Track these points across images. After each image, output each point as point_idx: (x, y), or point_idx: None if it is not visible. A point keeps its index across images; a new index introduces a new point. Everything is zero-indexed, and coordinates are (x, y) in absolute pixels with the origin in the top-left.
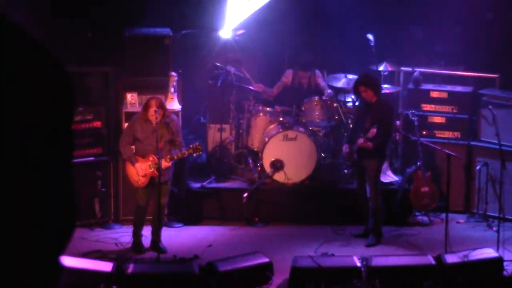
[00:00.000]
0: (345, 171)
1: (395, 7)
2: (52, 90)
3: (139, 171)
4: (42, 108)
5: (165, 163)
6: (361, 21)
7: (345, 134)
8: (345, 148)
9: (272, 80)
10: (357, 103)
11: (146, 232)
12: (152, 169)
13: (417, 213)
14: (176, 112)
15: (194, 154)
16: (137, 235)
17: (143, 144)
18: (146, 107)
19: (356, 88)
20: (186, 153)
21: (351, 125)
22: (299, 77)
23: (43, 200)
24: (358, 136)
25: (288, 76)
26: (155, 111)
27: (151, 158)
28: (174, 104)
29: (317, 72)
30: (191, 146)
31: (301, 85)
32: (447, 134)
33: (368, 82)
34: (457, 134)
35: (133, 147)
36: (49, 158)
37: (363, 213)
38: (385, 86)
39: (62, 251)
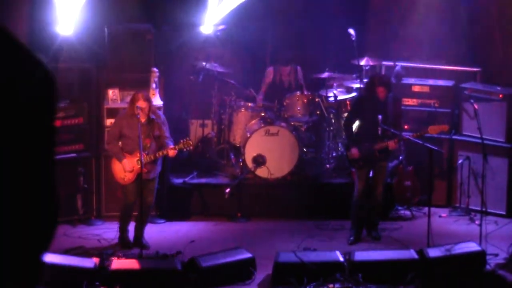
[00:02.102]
0: (327, 166)
1: (376, 2)
2: (35, 88)
3: (126, 166)
4: (25, 106)
5: (171, 152)
6: (342, 16)
7: (328, 128)
8: (354, 151)
9: (253, 76)
10: (346, 97)
11: (129, 227)
12: (140, 165)
13: (399, 207)
14: (158, 108)
15: (184, 149)
16: (123, 230)
17: (131, 140)
18: (132, 101)
19: (373, 88)
20: (177, 148)
21: (344, 121)
22: (280, 73)
23: (26, 197)
24: (368, 135)
25: (269, 75)
26: (141, 107)
27: (138, 154)
28: (156, 100)
29: (298, 68)
30: (181, 141)
31: (282, 81)
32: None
33: (389, 84)
34: None
35: (120, 143)
36: (32, 155)
37: (360, 211)
38: (365, 80)
39: (45, 248)
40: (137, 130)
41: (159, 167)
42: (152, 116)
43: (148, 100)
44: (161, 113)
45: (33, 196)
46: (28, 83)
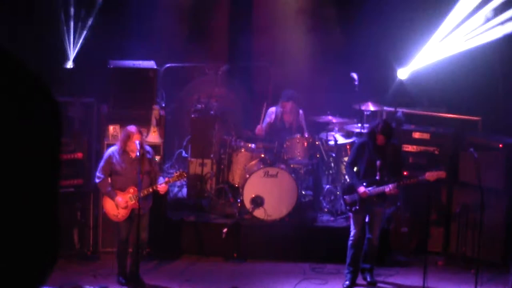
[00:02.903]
0: (325, 209)
1: (380, 47)
2: (42, 118)
3: (120, 203)
4: (31, 136)
5: (162, 187)
6: (344, 60)
7: (327, 172)
8: (362, 190)
9: (256, 114)
10: (346, 142)
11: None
12: (134, 201)
13: (395, 253)
14: (158, 145)
15: (179, 181)
16: (121, 267)
17: (122, 176)
18: (127, 138)
19: (373, 135)
20: (170, 180)
21: (347, 163)
22: (282, 113)
23: (28, 229)
24: (366, 180)
25: (271, 115)
26: (138, 143)
27: (131, 190)
28: (156, 138)
29: (300, 112)
30: (175, 173)
31: (283, 122)
32: None
33: (389, 133)
34: None
35: (109, 180)
36: (36, 187)
37: (355, 256)
38: (366, 125)
39: (43, 282)
40: (130, 167)
41: (150, 202)
42: (142, 151)
43: (141, 133)
44: (148, 147)
45: (36, 229)
46: (36, 113)
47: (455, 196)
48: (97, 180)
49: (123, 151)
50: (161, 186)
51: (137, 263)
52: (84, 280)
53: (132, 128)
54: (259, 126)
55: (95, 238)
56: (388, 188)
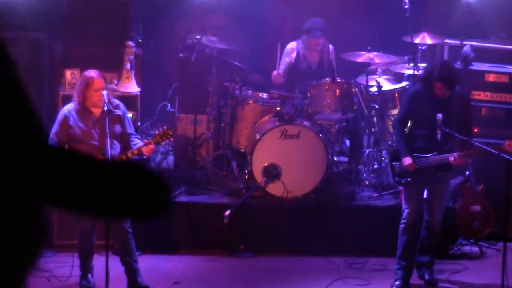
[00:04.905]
0: (366, 182)
1: None
2: None
3: None
4: None
5: (147, 149)
6: None
7: (367, 131)
8: (408, 160)
9: (266, 56)
10: (395, 88)
11: (99, 262)
12: None
13: (464, 242)
14: (133, 97)
15: (163, 142)
16: (85, 267)
17: (84, 143)
18: (86, 88)
19: (429, 82)
20: (152, 142)
21: (394, 120)
22: (307, 50)
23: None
24: (423, 142)
25: (290, 53)
26: (104, 94)
27: None
28: (131, 86)
29: (331, 47)
30: (157, 132)
31: (308, 63)
32: (508, 132)
33: (451, 80)
34: None
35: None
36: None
37: (409, 246)
38: (422, 65)
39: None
40: (94, 129)
41: None
42: (109, 107)
43: (106, 80)
44: (118, 101)
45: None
46: None
47: None
48: None
49: (83, 108)
50: (146, 146)
51: (129, 262)
52: (34, 286)
53: (91, 73)
54: (275, 72)
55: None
56: (453, 157)
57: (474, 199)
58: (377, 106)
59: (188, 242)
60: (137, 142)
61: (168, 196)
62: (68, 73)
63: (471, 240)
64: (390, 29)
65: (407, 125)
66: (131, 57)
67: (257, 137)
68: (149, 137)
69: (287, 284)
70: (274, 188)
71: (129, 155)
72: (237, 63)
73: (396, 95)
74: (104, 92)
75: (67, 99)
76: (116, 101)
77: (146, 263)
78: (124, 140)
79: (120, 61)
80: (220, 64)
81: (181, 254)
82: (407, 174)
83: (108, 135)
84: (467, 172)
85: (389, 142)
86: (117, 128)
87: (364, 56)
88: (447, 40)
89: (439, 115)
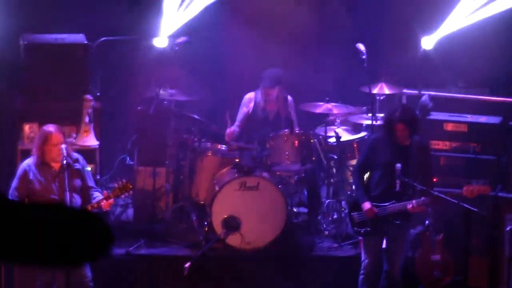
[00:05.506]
0: (325, 232)
1: (396, 8)
2: None
3: None
4: None
5: (105, 203)
6: (349, 30)
7: (326, 181)
8: (367, 206)
9: (225, 107)
10: (353, 139)
11: None
12: None
13: None
14: (92, 150)
15: (122, 196)
16: None
17: (43, 197)
18: (45, 142)
19: (390, 126)
20: (112, 196)
21: (354, 167)
22: (264, 101)
23: None
24: (382, 191)
25: (248, 103)
26: (63, 148)
27: None
28: (90, 139)
29: (289, 99)
30: (116, 185)
31: (266, 113)
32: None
33: (413, 121)
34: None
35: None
36: None
37: None
38: (380, 115)
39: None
40: (53, 183)
41: None
42: (68, 160)
43: (64, 134)
44: (78, 155)
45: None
46: None
47: (504, 211)
48: None
49: (42, 162)
50: (105, 201)
51: None
52: None
53: (49, 127)
54: (228, 130)
55: (8, 279)
56: (411, 204)
57: (434, 249)
58: (336, 157)
59: None
60: (97, 196)
61: (108, 233)
62: (26, 127)
63: None
64: (348, 79)
65: (366, 172)
66: (90, 111)
67: (216, 189)
68: (109, 190)
69: None
70: (234, 240)
71: (89, 208)
72: (195, 116)
73: (355, 145)
74: (63, 146)
75: (26, 154)
76: (76, 155)
77: None
78: (84, 193)
79: (79, 115)
80: (179, 116)
81: None
82: (366, 224)
83: (68, 189)
84: (427, 222)
85: (348, 193)
86: (77, 181)
87: (322, 107)
88: (405, 90)
89: (398, 165)
